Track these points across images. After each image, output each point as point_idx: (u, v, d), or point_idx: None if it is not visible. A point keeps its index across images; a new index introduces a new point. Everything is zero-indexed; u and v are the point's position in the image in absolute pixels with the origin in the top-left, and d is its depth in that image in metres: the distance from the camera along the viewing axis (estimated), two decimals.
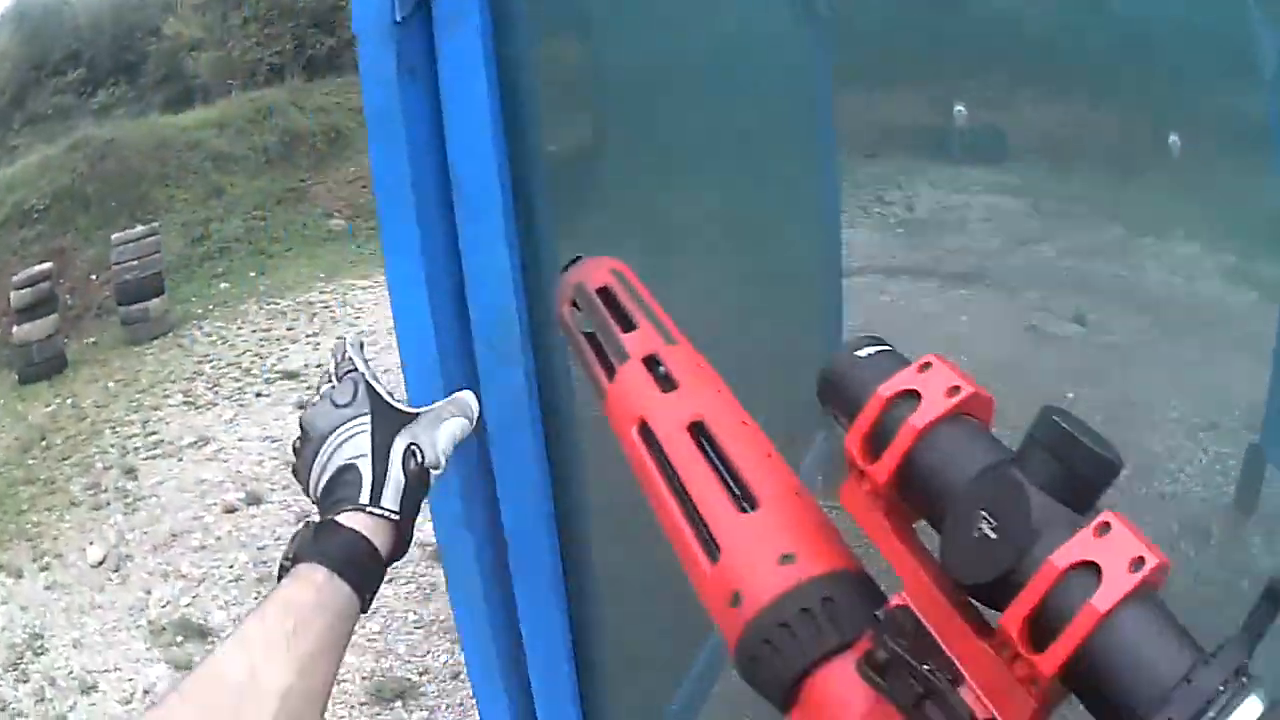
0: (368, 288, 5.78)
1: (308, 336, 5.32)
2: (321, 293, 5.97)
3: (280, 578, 0.72)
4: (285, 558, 0.74)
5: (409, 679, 2.80)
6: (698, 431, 0.45)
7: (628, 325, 0.52)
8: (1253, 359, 1.98)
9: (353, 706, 2.69)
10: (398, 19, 0.87)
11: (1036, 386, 1.78)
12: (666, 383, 0.48)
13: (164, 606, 3.16)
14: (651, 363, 0.49)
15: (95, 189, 6.62)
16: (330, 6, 8.09)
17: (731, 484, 0.44)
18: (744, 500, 0.43)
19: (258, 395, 4.61)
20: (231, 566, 3.30)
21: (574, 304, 0.56)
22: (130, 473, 3.98)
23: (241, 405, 4.56)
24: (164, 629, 3.05)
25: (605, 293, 0.54)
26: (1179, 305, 1.94)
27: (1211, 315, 1.99)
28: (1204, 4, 1.91)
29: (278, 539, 3.41)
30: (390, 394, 0.81)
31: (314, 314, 5.67)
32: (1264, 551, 2.20)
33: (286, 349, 5.17)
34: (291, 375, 4.80)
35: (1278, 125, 1.96)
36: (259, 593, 3.13)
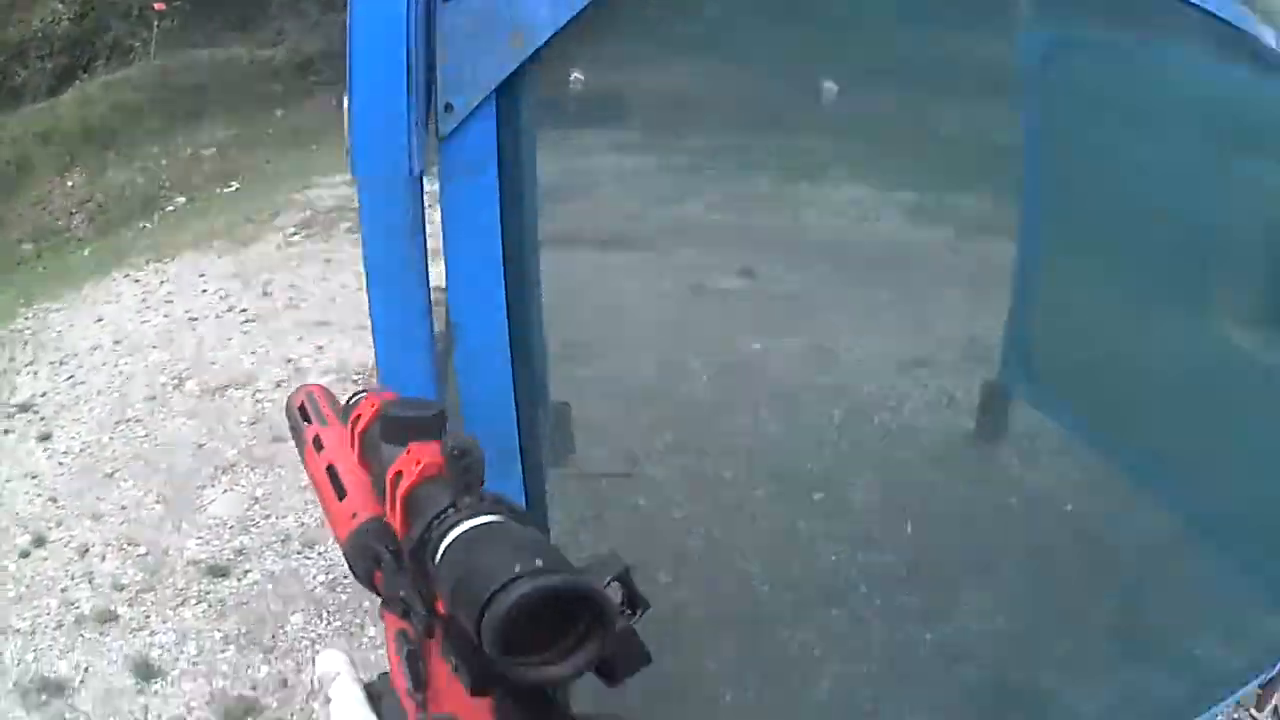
0: (60, 309, 5.79)
1: (26, 366, 5.12)
2: (25, 319, 5.72)
3: None
4: None
5: (244, 695, 2.79)
6: (330, 469, 0.82)
7: (309, 420, 0.89)
8: (957, 295, 1.90)
9: None
10: (415, 173, 0.84)
11: (715, 340, 1.69)
12: (319, 446, 0.86)
13: (18, 665, 3.10)
14: (316, 441, 0.86)
15: None
16: (20, 39, 7.56)
17: (340, 484, 0.80)
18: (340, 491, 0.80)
19: (5, 433, 4.50)
20: (50, 613, 3.31)
21: (300, 408, 0.91)
22: None
23: None
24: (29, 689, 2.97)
25: (301, 405, 0.92)
26: (857, 248, 1.80)
27: (897, 255, 1.86)
28: None
29: (73, 578, 3.48)
30: None
31: (25, 342, 5.45)
32: (1026, 469, 2.11)
33: (14, 381, 4.87)
34: (26, 408, 4.53)
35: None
36: (83, 637, 3.14)
